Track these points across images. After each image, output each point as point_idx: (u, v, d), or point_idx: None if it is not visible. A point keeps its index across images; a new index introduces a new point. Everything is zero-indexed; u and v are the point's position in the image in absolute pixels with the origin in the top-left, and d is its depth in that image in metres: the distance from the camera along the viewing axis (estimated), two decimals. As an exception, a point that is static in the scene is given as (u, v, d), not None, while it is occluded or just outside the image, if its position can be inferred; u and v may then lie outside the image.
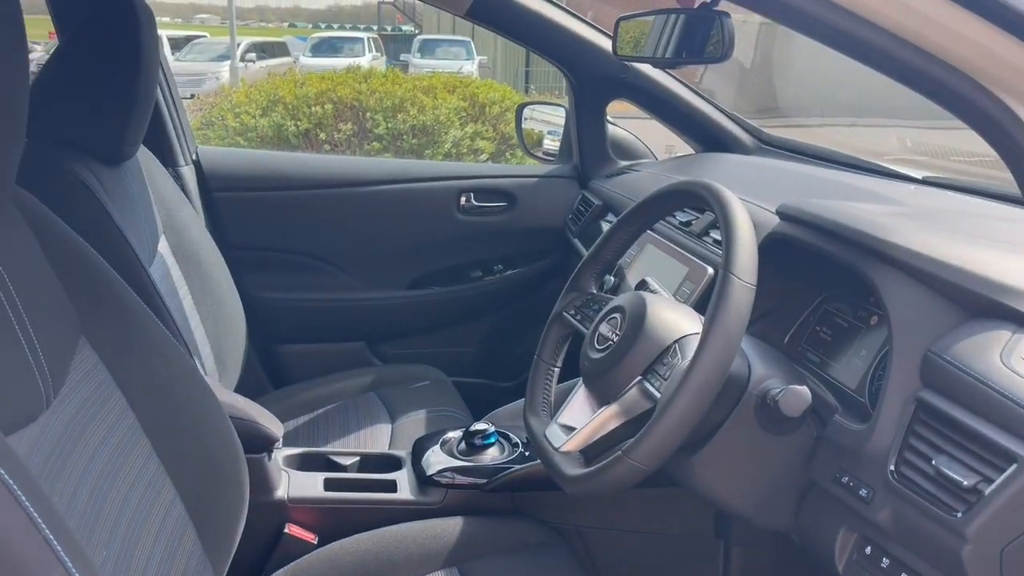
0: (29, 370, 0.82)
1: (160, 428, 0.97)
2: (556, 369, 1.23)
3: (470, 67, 16.68)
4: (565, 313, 1.22)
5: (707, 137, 2.12)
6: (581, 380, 1.12)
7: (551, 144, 2.43)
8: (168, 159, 1.93)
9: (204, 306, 1.72)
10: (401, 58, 19.73)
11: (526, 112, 2.44)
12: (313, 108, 5.81)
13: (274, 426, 1.33)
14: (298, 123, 5.76)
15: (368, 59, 17.69)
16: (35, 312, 0.85)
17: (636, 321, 1.03)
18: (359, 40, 20.23)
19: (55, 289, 0.93)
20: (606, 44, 2.02)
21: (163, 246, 1.63)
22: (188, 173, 1.99)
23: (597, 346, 1.06)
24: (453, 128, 6.08)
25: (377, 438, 1.73)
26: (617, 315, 1.06)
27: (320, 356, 2.20)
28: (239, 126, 5.76)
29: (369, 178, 2.16)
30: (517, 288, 2.27)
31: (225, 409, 1.13)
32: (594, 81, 2.07)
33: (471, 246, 2.24)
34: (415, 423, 1.77)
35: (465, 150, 6.18)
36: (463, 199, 2.20)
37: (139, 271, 1.37)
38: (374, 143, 5.89)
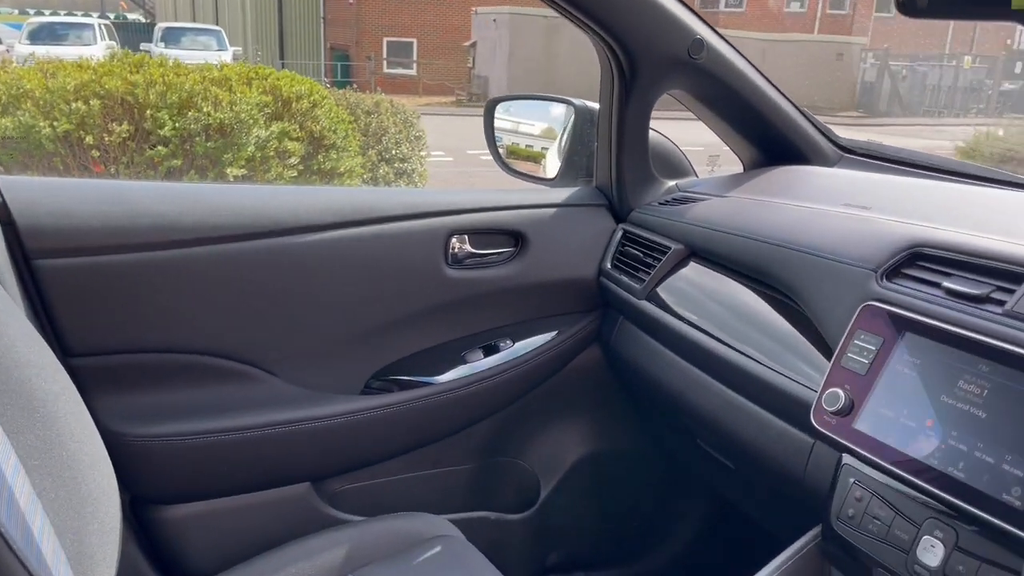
0: None
1: None
2: None
3: (225, 57, 15.08)
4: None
5: (780, 145, 1.53)
6: None
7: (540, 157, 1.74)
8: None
9: (40, 473, 0.86)
10: (142, 48, 17.48)
11: (500, 110, 1.71)
12: (73, 104, 4.53)
13: None
14: (55, 123, 4.46)
15: (102, 48, 15.47)
16: None
17: None
18: (88, 26, 17.70)
19: None
20: (682, 14, 1.36)
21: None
22: (-11, 229, 1.06)
23: None
24: (256, 127, 5.06)
25: None
26: None
27: (242, 517, 1.34)
28: (-33, 128, 4.36)
29: (303, 220, 1.32)
30: (535, 372, 1.53)
31: None
32: (654, 65, 1.39)
33: (466, 315, 1.48)
34: None
35: (272, 152, 5.20)
36: (454, 244, 1.43)
37: None
38: (159, 147, 4.72)
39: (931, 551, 0.86)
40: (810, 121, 1.53)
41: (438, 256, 1.41)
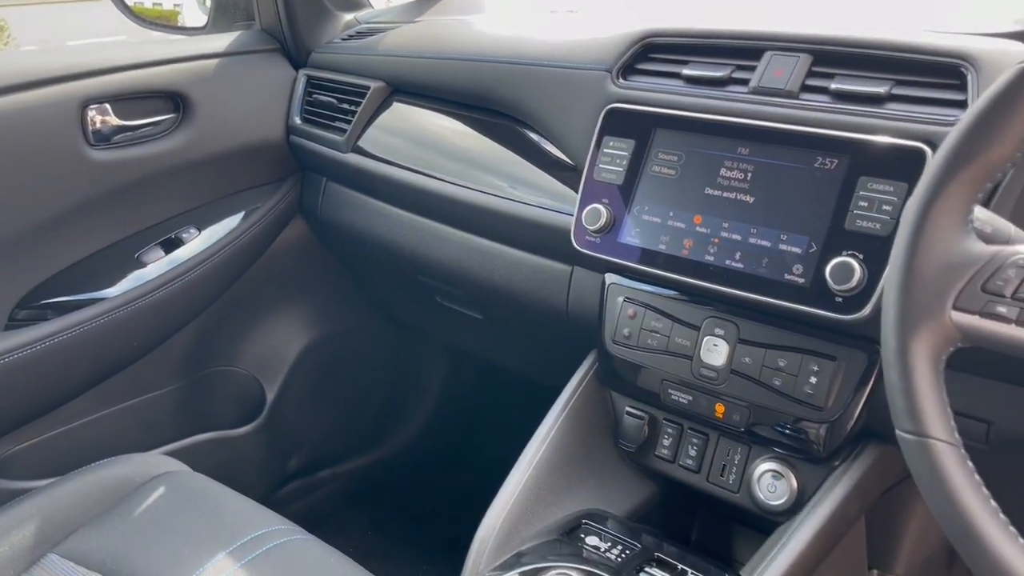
0: None
1: None
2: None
3: None
4: (963, 312, 0.51)
5: None
6: None
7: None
8: None
9: None
10: None
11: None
12: None
13: None
14: None
15: None
16: None
17: None
18: None
19: None
20: None
21: None
22: None
23: None
24: None
25: None
26: None
27: None
28: None
29: None
30: (232, 262, 1.27)
31: None
32: None
33: (129, 207, 1.16)
34: None
35: None
36: (92, 116, 1.10)
37: None
38: None
39: (715, 350, 0.83)
40: None
41: (73, 135, 1.07)
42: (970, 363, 0.71)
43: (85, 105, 1.08)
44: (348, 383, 1.53)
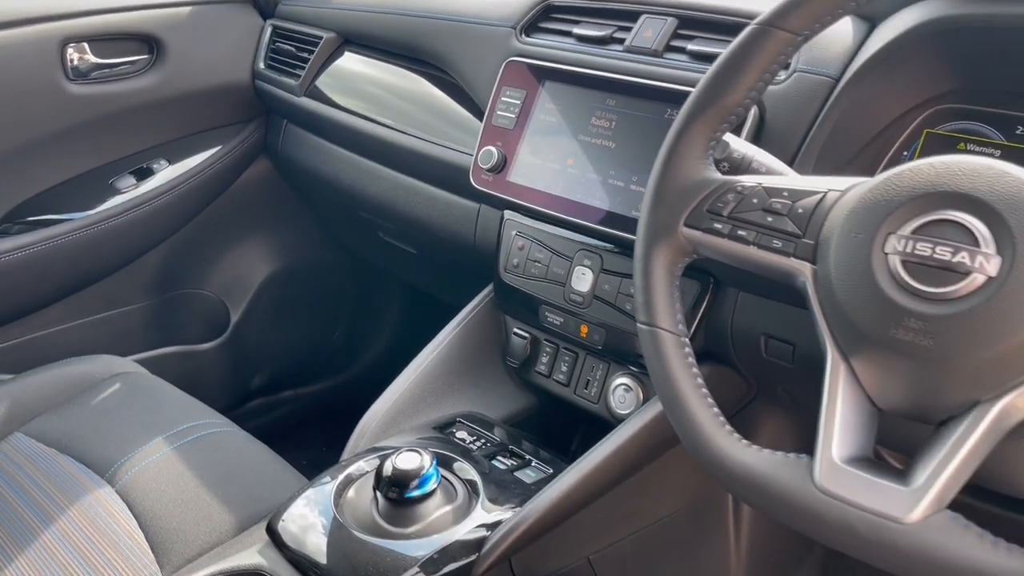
0: None
1: None
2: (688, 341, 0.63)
3: None
4: (691, 228, 0.62)
5: None
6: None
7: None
8: None
9: None
10: None
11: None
12: None
13: None
14: None
15: None
16: None
17: None
18: None
19: None
20: None
21: None
22: None
23: (942, 287, 0.51)
24: None
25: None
26: (981, 225, 0.50)
27: None
28: None
29: None
30: (199, 192, 1.41)
31: None
32: None
33: (104, 138, 1.31)
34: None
35: None
36: (71, 54, 1.24)
37: None
38: None
39: (582, 278, 0.95)
40: None
41: (53, 70, 1.21)
42: (776, 291, 0.82)
43: (65, 43, 1.22)
44: (309, 311, 1.67)
